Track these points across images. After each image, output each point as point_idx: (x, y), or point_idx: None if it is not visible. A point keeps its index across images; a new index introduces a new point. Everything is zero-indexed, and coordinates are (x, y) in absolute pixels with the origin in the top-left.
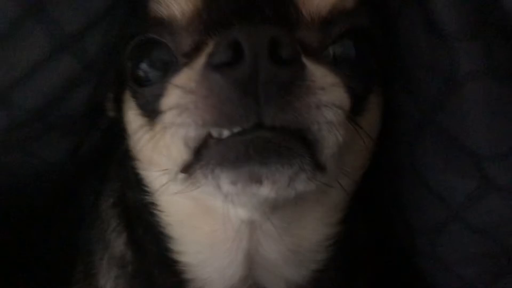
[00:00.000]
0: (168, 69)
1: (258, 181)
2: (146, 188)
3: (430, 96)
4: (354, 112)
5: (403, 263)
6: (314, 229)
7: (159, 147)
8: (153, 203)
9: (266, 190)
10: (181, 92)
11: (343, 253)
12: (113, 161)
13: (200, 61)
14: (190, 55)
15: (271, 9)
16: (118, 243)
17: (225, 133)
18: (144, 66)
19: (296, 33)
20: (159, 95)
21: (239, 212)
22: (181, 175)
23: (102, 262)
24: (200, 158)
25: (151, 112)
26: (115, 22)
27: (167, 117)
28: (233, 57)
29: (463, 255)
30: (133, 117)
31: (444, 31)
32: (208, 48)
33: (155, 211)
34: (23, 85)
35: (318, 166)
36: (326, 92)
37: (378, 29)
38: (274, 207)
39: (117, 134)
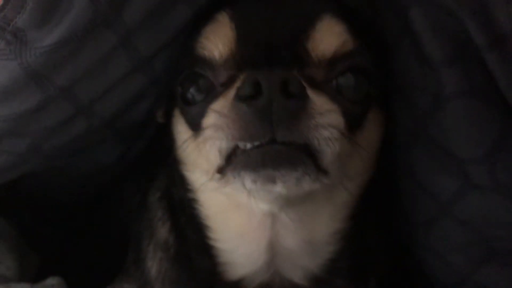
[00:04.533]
0: (209, 94)
1: (273, 180)
2: (188, 187)
3: (422, 111)
4: (353, 128)
5: (404, 256)
6: (325, 223)
7: (201, 153)
8: (194, 199)
9: (279, 187)
10: (217, 115)
11: (353, 245)
12: (159, 162)
13: (231, 92)
14: (226, 85)
15: (287, 53)
16: (163, 231)
17: (248, 145)
18: (191, 91)
19: (306, 70)
20: (201, 114)
21: (261, 206)
22: (217, 175)
23: (149, 247)
24: (230, 163)
25: (195, 127)
26: (178, 46)
27: (207, 133)
28: (255, 92)
29: (452, 244)
30: (181, 130)
31: (431, 59)
32: (237, 83)
33: (195, 206)
34: (105, 98)
35: (321, 170)
36: (323, 116)
37: (374, 63)
38: (289, 202)
39: (162, 140)
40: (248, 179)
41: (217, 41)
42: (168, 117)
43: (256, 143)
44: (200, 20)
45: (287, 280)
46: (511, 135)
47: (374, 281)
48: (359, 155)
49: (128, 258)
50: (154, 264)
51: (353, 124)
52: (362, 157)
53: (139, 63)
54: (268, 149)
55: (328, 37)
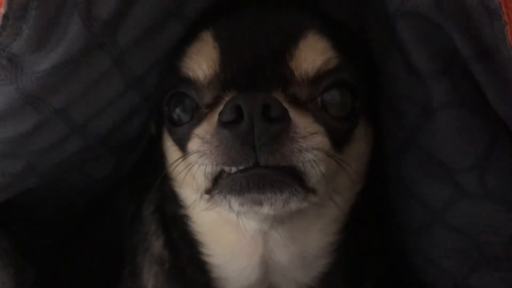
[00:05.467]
0: (195, 115)
1: (259, 203)
2: (180, 203)
3: (411, 121)
4: (340, 145)
5: (398, 262)
6: (317, 238)
7: (190, 173)
8: (186, 215)
9: (266, 209)
10: (201, 141)
11: (347, 257)
12: (153, 175)
13: (215, 116)
14: (211, 105)
15: (271, 72)
16: (157, 244)
17: (233, 169)
18: (177, 111)
19: (290, 89)
20: (187, 137)
21: (251, 224)
22: (206, 196)
23: (144, 261)
24: (216, 186)
25: (183, 148)
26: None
27: (192, 158)
28: (236, 117)
29: (444, 250)
30: (170, 148)
31: (419, 70)
32: (219, 108)
33: (187, 222)
34: (99, 117)
35: (309, 190)
36: (306, 140)
37: (359, 77)
38: (279, 220)
39: (154, 152)
40: (234, 203)
41: (201, 62)
42: (159, 130)
43: (241, 167)
44: (185, 38)
45: None
46: (499, 144)
47: (370, 287)
48: (347, 171)
49: (124, 271)
50: (150, 278)
51: (339, 141)
52: (350, 172)
53: (132, 81)
54: (252, 173)
55: (311, 55)
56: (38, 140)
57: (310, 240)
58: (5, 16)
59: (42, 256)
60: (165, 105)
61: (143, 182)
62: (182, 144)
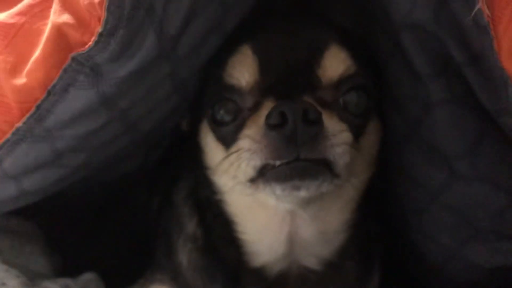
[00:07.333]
0: (237, 116)
1: (298, 189)
2: (214, 189)
3: (413, 116)
4: (357, 137)
5: (398, 240)
6: (336, 216)
7: (233, 165)
8: (220, 200)
9: (303, 193)
10: (251, 141)
11: (359, 232)
12: (182, 166)
13: (259, 118)
14: (252, 109)
15: (302, 80)
16: (191, 225)
17: (278, 162)
18: (221, 113)
19: (318, 92)
20: (233, 135)
21: (285, 205)
22: (248, 183)
23: (179, 241)
24: (262, 176)
25: (227, 145)
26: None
27: (244, 154)
28: (281, 121)
29: (441, 227)
30: (211, 143)
31: (419, 73)
32: (264, 110)
33: (222, 205)
34: (147, 116)
35: (335, 175)
36: (336, 137)
37: (371, 80)
38: (308, 202)
39: (185, 146)
40: (278, 189)
41: (244, 72)
42: (193, 127)
43: (284, 161)
44: (224, 48)
45: (303, 267)
46: (488, 135)
47: (378, 261)
48: (362, 158)
49: (157, 252)
50: (185, 255)
51: (357, 134)
52: (364, 159)
53: (178, 86)
54: (294, 166)
55: (334, 64)
56: (100, 136)
57: (331, 218)
58: (100, 34)
59: (66, 245)
60: (210, 108)
61: (167, 175)
62: (226, 141)
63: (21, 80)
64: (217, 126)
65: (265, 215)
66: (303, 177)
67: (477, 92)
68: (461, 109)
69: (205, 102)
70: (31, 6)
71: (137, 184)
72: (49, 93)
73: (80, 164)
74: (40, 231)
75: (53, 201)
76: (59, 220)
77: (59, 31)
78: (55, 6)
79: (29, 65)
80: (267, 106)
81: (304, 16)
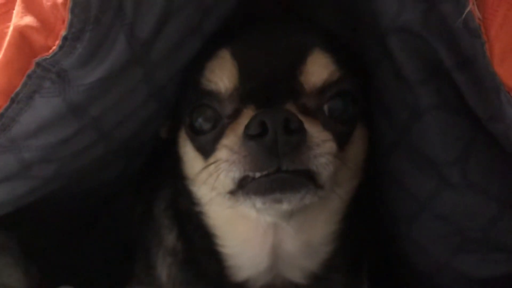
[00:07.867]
0: (216, 124)
1: (280, 201)
2: (194, 200)
3: (401, 122)
4: (342, 145)
5: (388, 249)
6: (321, 228)
7: (212, 176)
8: (200, 211)
9: (285, 206)
10: (229, 151)
11: (346, 243)
12: (163, 175)
13: (238, 127)
14: (231, 116)
15: (284, 86)
16: (170, 237)
17: (257, 174)
18: (199, 120)
19: (300, 100)
20: (211, 145)
21: (266, 218)
22: (227, 195)
23: (158, 254)
24: (242, 188)
25: (205, 154)
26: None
27: (221, 165)
28: (261, 131)
29: (431, 236)
30: (189, 153)
31: (408, 78)
32: (243, 118)
33: (202, 217)
34: (123, 124)
35: (319, 186)
36: (320, 147)
37: (357, 86)
38: (291, 214)
39: (164, 155)
40: (259, 202)
41: (222, 76)
42: (172, 135)
43: (265, 173)
44: (203, 53)
45: (287, 280)
46: (478, 141)
47: (366, 272)
48: (348, 167)
49: (137, 266)
50: (164, 269)
51: (342, 142)
52: (350, 168)
53: (154, 91)
54: (275, 178)
55: (318, 70)
56: (72, 145)
57: (316, 230)
58: (65, 37)
59: (45, 257)
60: (187, 116)
61: (150, 184)
62: (205, 151)
63: None
64: (195, 134)
65: (246, 228)
66: (284, 190)
67: (467, 98)
68: (451, 115)
69: (183, 108)
70: None
71: (121, 193)
72: (12, 100)
73: (51, 175)
74: (14, 242)
75: (30, 211)
76: (38, 231)
77: (21, 35)
78: (18, 8)
79: None
80: (247, 114)
81: (287, 19)
